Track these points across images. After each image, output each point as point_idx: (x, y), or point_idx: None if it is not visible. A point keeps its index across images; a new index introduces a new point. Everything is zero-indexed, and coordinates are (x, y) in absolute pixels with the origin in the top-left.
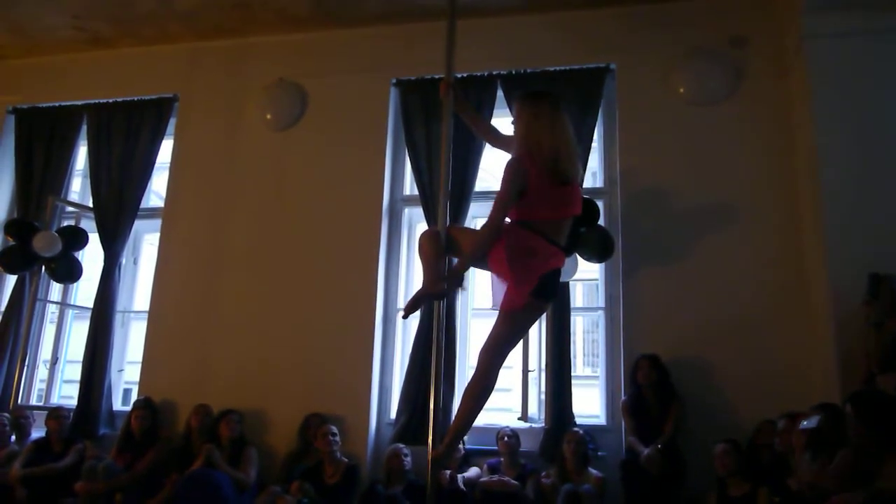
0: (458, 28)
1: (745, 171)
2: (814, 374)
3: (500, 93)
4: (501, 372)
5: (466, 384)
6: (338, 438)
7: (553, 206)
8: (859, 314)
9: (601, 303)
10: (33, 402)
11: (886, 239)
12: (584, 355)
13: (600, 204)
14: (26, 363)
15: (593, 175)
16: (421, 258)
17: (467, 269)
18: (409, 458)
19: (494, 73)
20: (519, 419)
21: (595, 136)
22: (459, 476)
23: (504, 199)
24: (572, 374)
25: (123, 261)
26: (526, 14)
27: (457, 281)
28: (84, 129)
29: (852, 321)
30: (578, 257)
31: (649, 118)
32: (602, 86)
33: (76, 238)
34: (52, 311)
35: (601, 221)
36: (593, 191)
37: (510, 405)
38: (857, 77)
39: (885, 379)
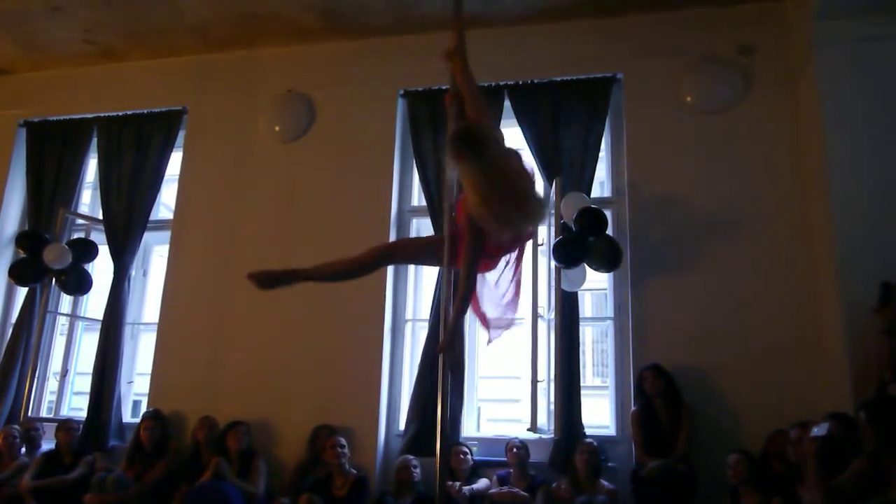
0: (465, 39)
1: (754, 180)
2: (825, 384)
3: (507, 103)
4: (510, 382)
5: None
6: (346, 450)
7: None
8: (871, 323)
9: (610, 313)
10: (43, 413)
11: None
12: (593, 365)
13: (608, 213)
14: (36, 375)
15: (601, 184)
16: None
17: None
18: (418, 470)
19: (501, 83)
20: (528, 430)
21: (602, 146)
22: (465, 489)
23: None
24: (581, 384)
25: (133, 273)
26: (532, 24)
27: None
28: (94, 141)
29: (864, 330)
30: (587, 267)
31: (657, 127)
32: (609, 95)
33: (86, 250)
34: (62, 322)
35: (609, 231)
36: (601, 200)
37: (519, 416)
38: (867, 83)
39: None
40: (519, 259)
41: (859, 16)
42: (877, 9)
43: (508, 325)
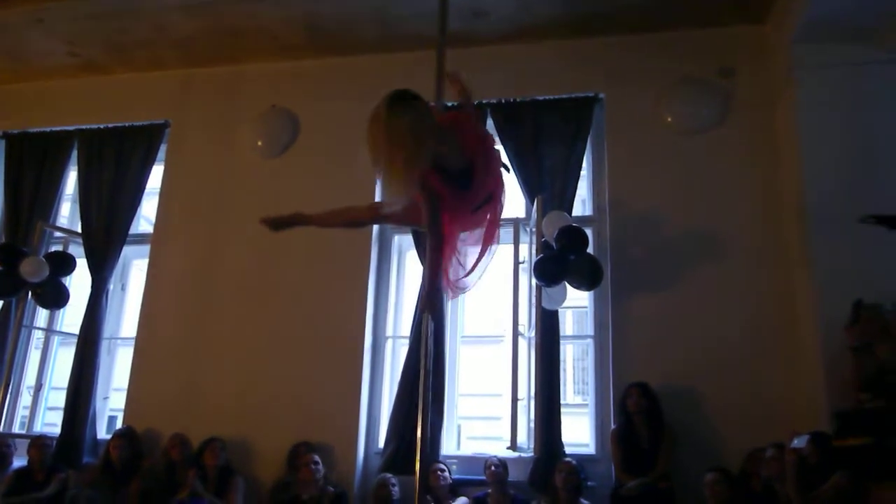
0: (449, 57)
1: (733, 200)
2: (802, 401)
3: (490, 122)
4: (491, 400)
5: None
6: (321, 466)
7: None
8: (847, 341)
9: (590, 331)
10: (16, 429)
11: (874, 266)
12: (573, 383)
13: (589, 232)
14: (10, 389)
15: (583, 203)
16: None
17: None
18: (396, 488)
19: (484, 101)
20: (508, 448)
21: (584, 165)
22: None
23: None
24: (562, 402)
25: (111, 287)
26: (515, 44)
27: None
28: (74, 154)
29: (840, 349)
30: (568, 285)
31: (638, 147)
32: (591, 115)
33: (64, 263)
34: (37, 336)
35: (590, 249)
36: (582, 219)
37: (499, 434)
38: (844, 107)
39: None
40: (490, 226)
41: (837, 41)
42: (854, 35)
43: (463, 289)
